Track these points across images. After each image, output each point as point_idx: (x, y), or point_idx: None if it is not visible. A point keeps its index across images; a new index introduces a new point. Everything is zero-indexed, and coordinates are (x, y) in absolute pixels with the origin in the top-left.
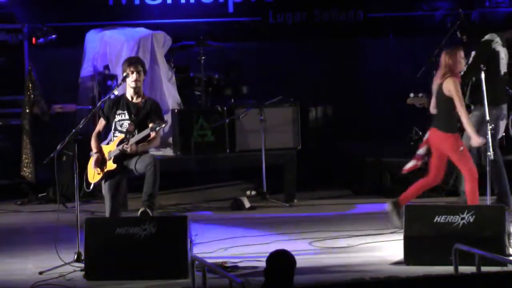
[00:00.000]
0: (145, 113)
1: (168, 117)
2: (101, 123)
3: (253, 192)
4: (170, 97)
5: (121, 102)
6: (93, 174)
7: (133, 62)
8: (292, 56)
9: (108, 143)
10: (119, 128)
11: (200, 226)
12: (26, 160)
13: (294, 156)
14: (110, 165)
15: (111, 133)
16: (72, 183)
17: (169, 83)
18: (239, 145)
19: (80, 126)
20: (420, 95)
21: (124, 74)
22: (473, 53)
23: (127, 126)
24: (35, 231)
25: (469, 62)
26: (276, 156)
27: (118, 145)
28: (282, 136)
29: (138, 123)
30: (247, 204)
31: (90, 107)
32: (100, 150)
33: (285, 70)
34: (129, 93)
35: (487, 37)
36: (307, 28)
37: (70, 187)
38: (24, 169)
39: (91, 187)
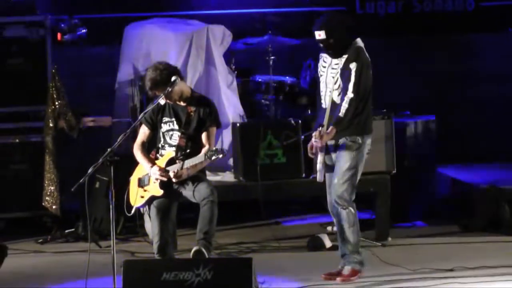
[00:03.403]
0: (197, 120)
1: (227, 133)
2: (145, 132)
3: (336, 228)
4: (230, 107)
5: (166, 107)
6: (136, 196)
7: (151, 87)
8: (384, 55)
9: (156, 157)
10: (168, 140)
11: (268, 271)
12: (50, 187)
13: (388, 182)
14: (156, 190)
15: (159, 145)
16: (107, 216)
17: (228, 89)
18: None
19: (117, 145)
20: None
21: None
22: (353, 65)
23: (178, 140)
24: (61, 276)
25: (353, 79)
26: (365, 182)
27: (167, 165)
28: (372, 157)
29: (190, 134)
30: (328, 243)
31: (130, 120)
32: (153, 162)
33: (375, 73)
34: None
35: (359, 42)
36: (404, 20)
37: (104, 221)
38: (47, 198)
39: (133, 211)
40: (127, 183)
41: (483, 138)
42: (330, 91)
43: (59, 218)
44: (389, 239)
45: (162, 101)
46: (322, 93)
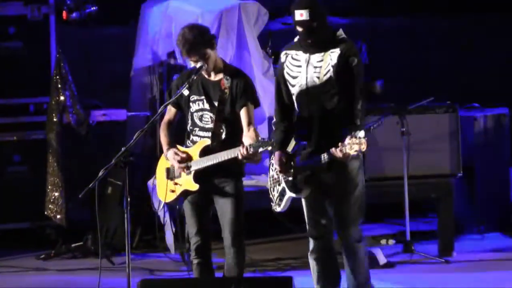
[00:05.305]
0: (231, 99)
1: (263, 128)
2: (170, 111)
3: (391, 241)
4: (267, 98)
5: (194, 83)
6: (166, 190)
7: (188, 51)
8: (447, 37)
9: (186, 145)
10: (198, 122)
11: None
12: (53, 193)
13: (452, 186)
14: (190, 184)
15: (188, 128)
16: (121, 227)
17: (264, 77)
18: (370, 169)
19: (133, 143)
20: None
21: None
22: (354, 62)
23: (212, 126)
24: None
25: (358, 79)
26: (425, 186)
27: (202, 155)
28: (434, 156)
29: (225, 116)
30: (382, 259)
31: (148, 113)
32: (172, 144)
33: (437, 59)
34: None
35: (343, 33)
36: None
37: (118, 233)
38: (50, 206)
39: (161, 206)
40: (144, 188)
41: None
42: (317, 96)
43: (65, 230)
44: (454, 254)
45: (185, 92)
46: (300, 98)
